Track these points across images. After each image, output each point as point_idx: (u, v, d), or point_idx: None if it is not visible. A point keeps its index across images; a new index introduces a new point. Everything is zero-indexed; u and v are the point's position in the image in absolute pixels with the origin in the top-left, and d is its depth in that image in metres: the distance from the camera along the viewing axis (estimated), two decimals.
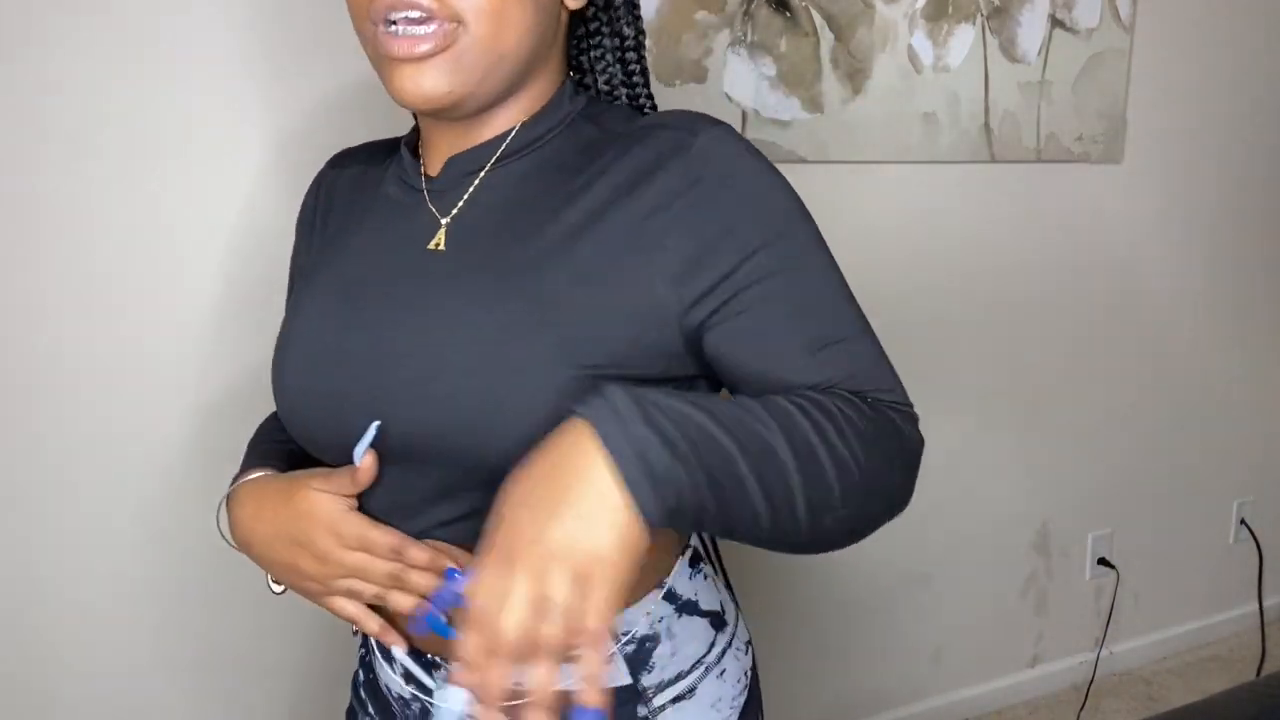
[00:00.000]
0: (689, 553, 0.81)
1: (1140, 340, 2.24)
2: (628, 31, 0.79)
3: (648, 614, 0.75)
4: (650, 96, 0.82)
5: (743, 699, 0.81)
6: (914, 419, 0.71)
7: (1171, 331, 2.28)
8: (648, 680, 0.75)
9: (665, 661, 0.76)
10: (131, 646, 1.35)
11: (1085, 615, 2.30)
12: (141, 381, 1.30)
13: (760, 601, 1.85)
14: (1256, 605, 2.50)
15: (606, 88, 0.80)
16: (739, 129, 1.66)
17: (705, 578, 0.81)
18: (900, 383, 0.71)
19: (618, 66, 0.79)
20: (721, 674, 0.79)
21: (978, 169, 1.94)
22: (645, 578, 0.75)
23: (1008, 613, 2.19)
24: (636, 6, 0.81)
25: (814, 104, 1.74)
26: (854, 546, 2.09)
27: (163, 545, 1.35)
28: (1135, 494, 2.31)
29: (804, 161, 1.73)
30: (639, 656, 0.75)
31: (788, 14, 1.69)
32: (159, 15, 1.24)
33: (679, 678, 0.76)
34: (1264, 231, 2.36)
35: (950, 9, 1.84)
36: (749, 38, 1.66)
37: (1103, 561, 2.28)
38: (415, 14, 0.64)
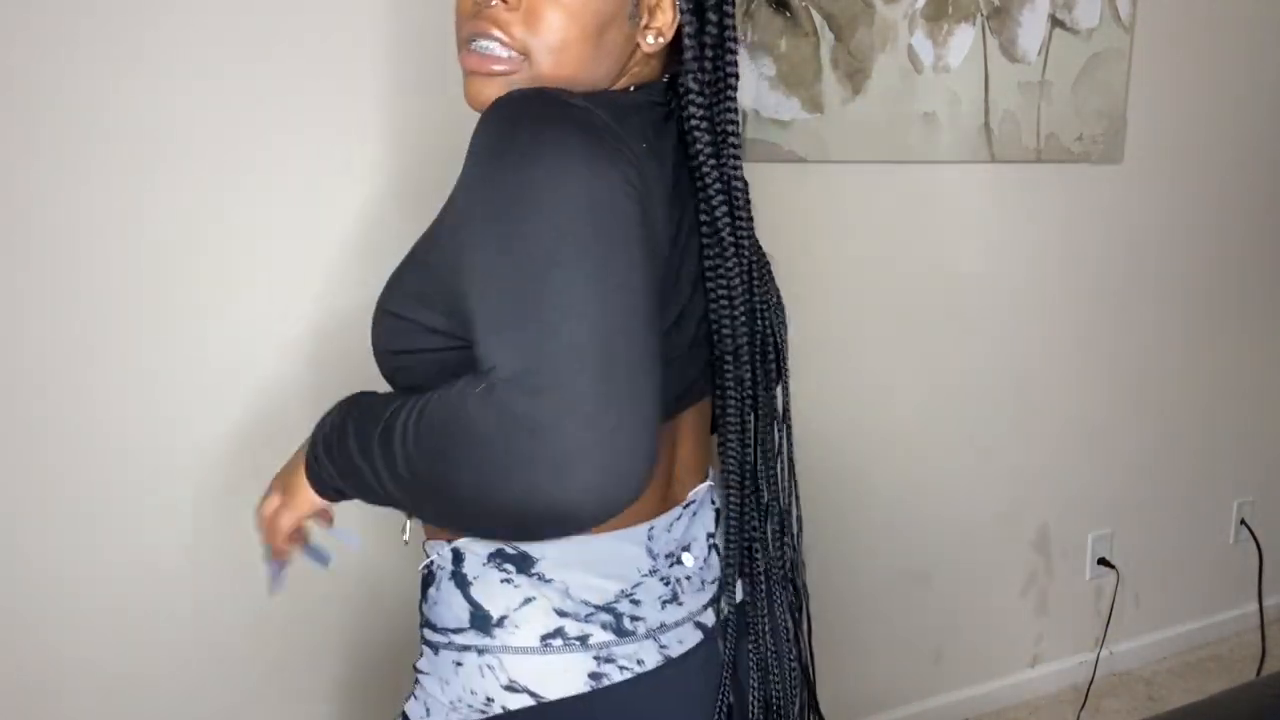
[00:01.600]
0: (494, 546, 0.81)
1: (1140, 340, 2.24)
2: (709, 76, 0.83)
3: (439, 554, 0.84)
4: (730, 154, 0.85)
5: (463, 717, 0.81)
6: (514, 415, 0.65)
7: (1172, 331, 2.28)
8: (425, 607, 0.85)
9: (432, 604, 0.84)
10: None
11: (1085, 615, 2.30)
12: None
13: None
14: (1256, 605, 2.50)
15: (689, 135, 0.83)
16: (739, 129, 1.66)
17: (505, 581, 0.80)
18: (559, 375, 0.65)
19: (690, 111, 0.82)
20: (457, 667, 0.81)
21: (978, 169, 1.94)
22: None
23: (1008, 613, 2.19)
24: (718, 57, 0.83)
25: (814, 104, 1.74)
26: (854, 544, 2.08)
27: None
28: (1135, 494, 2.31)
29: (804, 161, 1.73)
30: (425, 582, 0.86)
31: (788, 14, 1.69)
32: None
33: (430, 626, 0.84)
34: (1264, 231, 2.36)
35: (950, 9, 1.84)
36: (749, 38, 1.66)
37: (1103, 561, 2.28)
38: (495, 46, 0.77)
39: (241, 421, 1.36)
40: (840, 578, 1.95)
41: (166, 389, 1.32)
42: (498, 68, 0.77)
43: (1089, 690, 2.25)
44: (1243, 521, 2.49)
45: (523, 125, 0.70)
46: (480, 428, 0.65)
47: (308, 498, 0.83)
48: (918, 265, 1.93)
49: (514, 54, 0.77)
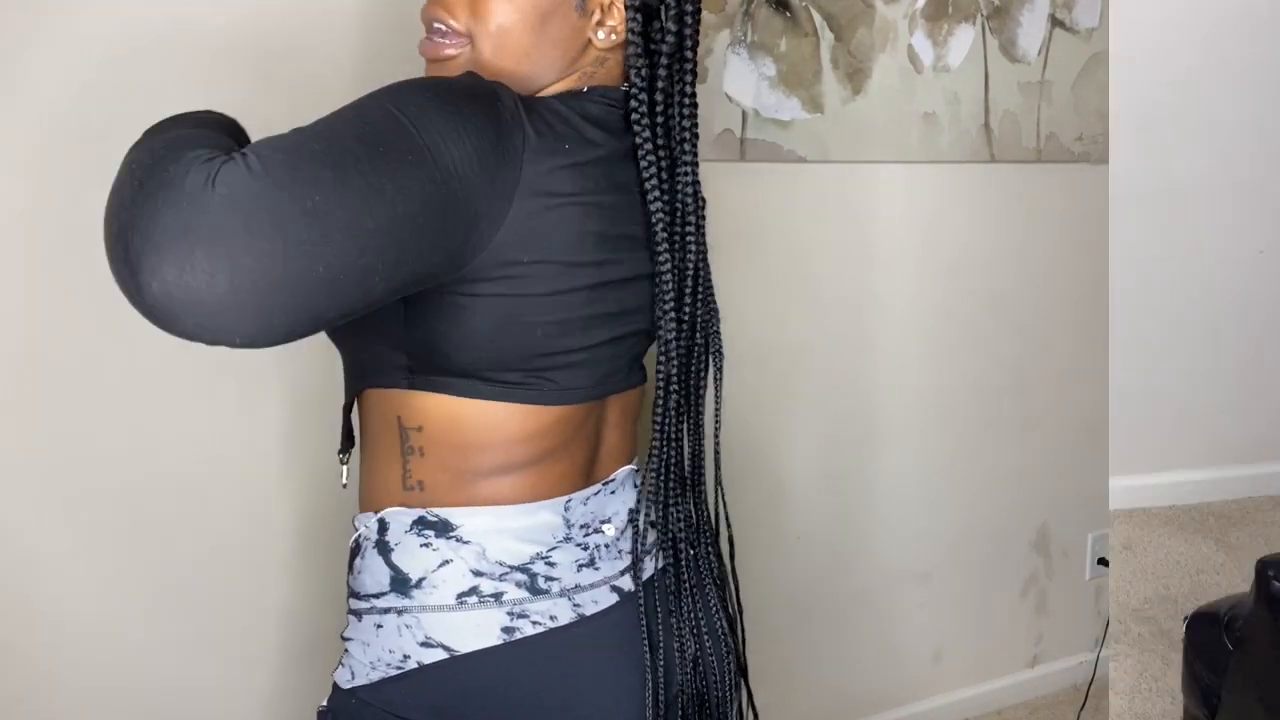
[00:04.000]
0: (416, 515, 0.83)
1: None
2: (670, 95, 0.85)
3: (366, 525, 0.86)
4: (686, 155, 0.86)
5: (382, 675, 0.83)
6: (212, 165, 0.61)
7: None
8: (351, 579, 0.88)
9: (357, 573, 0.87)
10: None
11: (1085, 615, 2.30)
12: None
13: (760, 600, 1.84)
14: None
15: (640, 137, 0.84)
16: (739, 129, 1.67)
17: (424, 546, 0.83)
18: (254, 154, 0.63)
19: (636, 114, 0.83)
20: (378, 629, 0.84)
21: (978, 169, 1.94)
22: (376, 496, 0.86)
23: (1008, 613, 2.19)
24: (673, 65, 0.84)
25: (814, 104, 1.74)
26: (854, 545, 2.06)
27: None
28: None
29: (804, 161, 1.73)
30: (352, 554, 0.89)
31: (788, 14, 1.69)
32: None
33: (355, 595, 0.87)
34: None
35: (950, 9, 1.84)
36: (749, 38, 1.66)
37: (1103, 561, 2.28)
38: (443, 27, 0.82)
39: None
40: (840, 578, 1.95)
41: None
42: (446, 52, 0.82)
43: (1089, 690, 2.25)
44: None
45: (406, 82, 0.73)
46: (170, 166, 0.61)
47: None
48: (917, 265, 1.93)
49: (461, 39, 0.81)
